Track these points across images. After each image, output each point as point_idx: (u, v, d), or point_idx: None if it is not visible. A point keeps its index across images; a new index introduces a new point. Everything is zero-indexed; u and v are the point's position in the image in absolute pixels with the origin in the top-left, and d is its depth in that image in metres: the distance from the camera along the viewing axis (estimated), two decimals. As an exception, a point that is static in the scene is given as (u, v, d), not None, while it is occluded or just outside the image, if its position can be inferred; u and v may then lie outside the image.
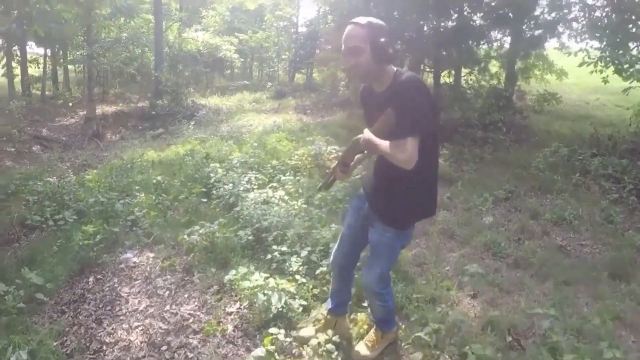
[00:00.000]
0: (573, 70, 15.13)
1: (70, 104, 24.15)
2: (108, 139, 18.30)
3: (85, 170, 11.34)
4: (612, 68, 10.43)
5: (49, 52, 28.49)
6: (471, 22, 14.11)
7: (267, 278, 4.81)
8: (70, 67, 31.02)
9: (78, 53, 25.21)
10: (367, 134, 3.18)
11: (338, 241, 4.15)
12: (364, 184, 3.94)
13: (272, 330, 4.29)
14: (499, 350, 4.27)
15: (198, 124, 16.32)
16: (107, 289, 5.54)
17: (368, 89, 3.56)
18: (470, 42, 13.97)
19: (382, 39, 3.21)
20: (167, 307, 5.07)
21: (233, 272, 4.98)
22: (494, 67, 15.73)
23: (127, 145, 14.79)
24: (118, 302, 5.26)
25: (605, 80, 11.27)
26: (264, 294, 4.56)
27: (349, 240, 4.04)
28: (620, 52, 10.44)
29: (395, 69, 3.34)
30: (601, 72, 10.92)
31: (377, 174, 3.70)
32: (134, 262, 6.06)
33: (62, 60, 29.04)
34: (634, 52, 10.92)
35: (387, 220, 3.62)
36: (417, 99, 3.10)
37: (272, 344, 4.15)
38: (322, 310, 4.63)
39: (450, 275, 5.72)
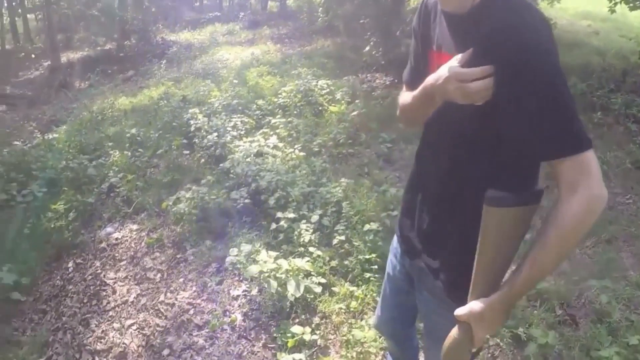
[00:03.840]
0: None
1: (33, 56, 22.94)
2: (77, 87, 17.18)
3: (54, 128, 10.39)
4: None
5: (4, 2, 27.04)
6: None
7: (277, 258, 3.97)
8: (29, 16, 29.45)
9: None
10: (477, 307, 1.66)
11: (380, 297, 2.53)
12: (400, 224, 2.16)
13: (295, 329, 3.53)
14: (550, 326, 3.64)
15: (170, 62, 15.34)
16: (90, 276, 4.88)
17: (431, 3, 1.90)
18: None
19: None
20: (162, 297, 4.36)
21: (234, 251, 4.14)
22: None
23: (97, 92, 13.77)
24: (104, 293, 4.61)
25: (612, 10, 10.52)
26: (277, 279, 3.74)
27: (393, 300, 2.39)
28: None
29: None
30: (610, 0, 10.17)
31: (434, 199, 1.93)
32: (116, 239, 5.34)
33: (19, 9, 27.62)
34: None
35: (453, 291, 1.87)
36: (559, 75, 1.52)
37: (296, 345, 3.40)
38: (346, 287, 3.94)
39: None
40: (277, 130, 6.88)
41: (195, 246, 4.84)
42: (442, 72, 1.61)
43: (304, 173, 5.47)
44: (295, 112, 7.74)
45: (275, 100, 8.25)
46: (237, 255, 4.10)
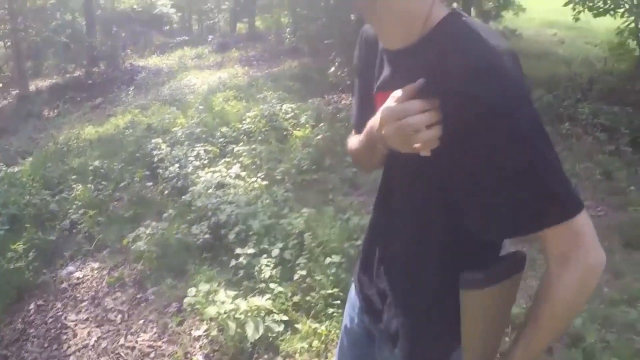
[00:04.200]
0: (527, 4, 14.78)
1: (1, 85, 22.43)
2: (45, 116, 16.85)
3: (19, 161, 10.17)
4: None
5: (-30, 31, 26.74)
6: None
7: (235, 297, 3.85)
8: (-2, 44, 29.25)
9: (1, 27, 23.71)
10: None
11: (337, 348, 2.10)
12: (359, 278, 1.82)
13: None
14: None
15: (138, 88, 15.22)
16: (51, 319, 4.73)
17: (372, 36, 1.59)
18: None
19: None
20: (122, 340, 4.22)
21: (192, 290, 4.02)
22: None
23: (65, 121, 13.66)
24: (65, 337, 4.45)
25: (576, 18, 10.58)
26: (236, 320, 3.62)
27: (351, 353, 1.97)
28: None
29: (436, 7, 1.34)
30: (574, 9, 10.20)
31: (394, 261, 1.62)
32: (78, 278, 5.20)
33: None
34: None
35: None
36: (537, 128, 1.24)
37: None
38: (308, 324, 3.80)
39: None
40: (241, 159, 6.77)
41: (156, 285, 4.72)
42: (378, 114, 1.34)
43: (266, 204, 5.35)
44: (259, 137, 7.64)
45: (240, 126, 8.14)
46: (195, 296, 3.97)
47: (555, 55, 12.16)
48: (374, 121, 1.41)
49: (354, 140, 1.70)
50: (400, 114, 1.23)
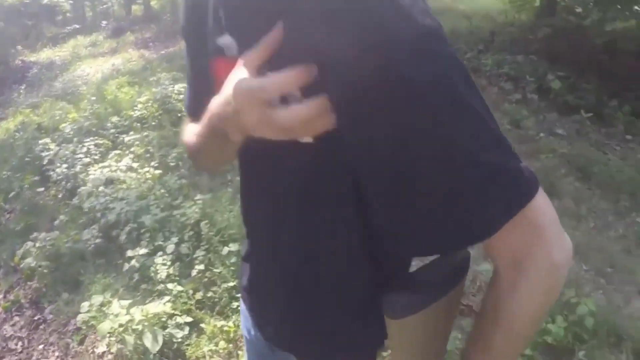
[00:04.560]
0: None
1: None
2: (-64, 128, 16.14)
3: None
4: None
5: None
6: None
7: (131, 306, 3.53)
8: None
9: None
10: None
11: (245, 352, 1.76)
12: (244, 294, 1.46)
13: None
14: None
15: (30, 86, 14.41)
16: None
17: None
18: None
19: None
20: (25, 371, 3.85)
21: (85, 305, 3.67)
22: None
23: (-45, 131, 12.87)
24: None
25: None
26: (134, 332, 3.31)
27: None
28: None
29: None
30: None
31: (280, 279, 1.23)
32: (-27, 306, 4.73)
33: None
34: None
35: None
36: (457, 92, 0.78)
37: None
38: (214, 322, 3.53)
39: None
40: (132, 149, 6.38)
41: (53, 302, 4.34)
42: (227, 93, 0.89)
43: (159, 194, 5.02)
44: (153, 123, 7.25)
45: (132, 113, 7.69)
46: (88, 311, 3.63)
47: (455, 11, 12.12)
48: (220, 102, 0.94)
49: (190, 132, 1.23)
50: (262, 92, 0.80)
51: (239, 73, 0.86)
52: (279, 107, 0.80)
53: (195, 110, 1.16)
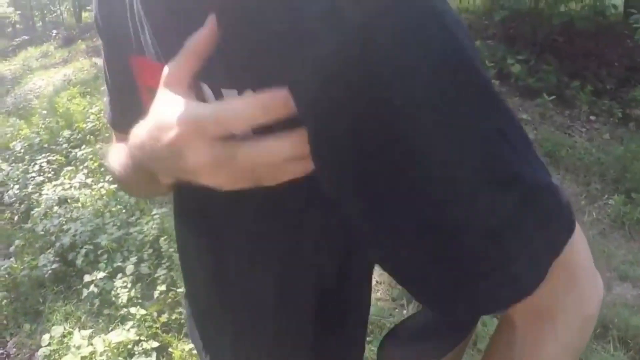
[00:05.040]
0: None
1: None
2: None
3: None
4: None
5: None
6: None
7: (92, 337, 3.34)
8: None
9: None
10: None
11: None
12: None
13: None
14: None
15: (-19, 104, 14.07)
16: None
17: None
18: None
19: None
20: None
21: (46, 338, 3.46)
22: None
23: None
24: None
25: None
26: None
27: None
28: None
29: None
30: None
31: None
32: None
33: None
34: None
35: None
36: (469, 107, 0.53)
37: None
38: (182, 346, 3.34)
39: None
40: (86, 163, 6.14)
41: (15, 335, 4.09)
42: (157, 119, 0.64)
43: (115, 211, 4.82)
44: (107, 135, 6.93)
45: (84, 126, 7.44)
46: (49, 344, 3.42)
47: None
48: (150, 132, 0.66)
49: (113, 157, 1.00)
50: (216, 125, 0.58)
51: (167, 92, 0.64)
52: (242, 142, 0.58)
53: (120, 122, 1.01)
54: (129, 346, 3.29)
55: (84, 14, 27.12)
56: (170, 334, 3.52)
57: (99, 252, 4.22)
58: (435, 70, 0.50)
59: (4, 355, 3.99)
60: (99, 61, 11.38)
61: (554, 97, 6.67)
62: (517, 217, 0.55)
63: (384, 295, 3.71)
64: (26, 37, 25.11)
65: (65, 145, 6.96)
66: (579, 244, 0.63)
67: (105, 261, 4.11)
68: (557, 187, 0.58)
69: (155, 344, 3.37)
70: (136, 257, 4.09)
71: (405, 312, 3.50)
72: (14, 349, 3.98)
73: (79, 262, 4.16)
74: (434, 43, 0.50)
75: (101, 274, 3.92)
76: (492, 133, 0.53)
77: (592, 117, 6.50)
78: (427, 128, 0.50)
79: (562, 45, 8.04)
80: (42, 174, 6.06)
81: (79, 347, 3.25)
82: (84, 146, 6.69)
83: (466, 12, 10.15)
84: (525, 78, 7.15)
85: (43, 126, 7.96)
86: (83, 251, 4.24)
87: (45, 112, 9.01)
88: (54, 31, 23.69)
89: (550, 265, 0.58)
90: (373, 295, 3.29)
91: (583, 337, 0.70)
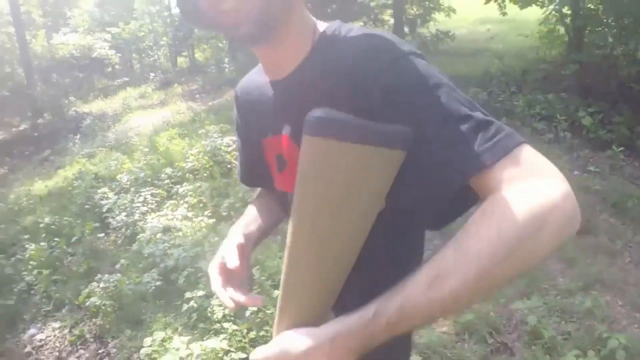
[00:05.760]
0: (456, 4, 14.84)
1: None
2: (-4, 176, 16.73)
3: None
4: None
5: None
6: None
7: (190, 342, 3.86)
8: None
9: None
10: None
11: None
12: None
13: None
14: (483, 358, 3.61)
15: (85, 136, 14.91)
16: None
17: (250, 85, 1.46)
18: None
19: None
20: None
21: (148, 340, 4.01)
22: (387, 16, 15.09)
23: (15, 178, 13.40)
24: None
25: (503, 12, 10.82)
26: (192, 367, 3.64)
27: None
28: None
29: (317, 21, 1.28)
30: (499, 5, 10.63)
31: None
32: (40, 340, 5.10)
33: None
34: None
35: None
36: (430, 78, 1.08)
37: None
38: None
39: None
40: (186, 199, 6.76)
41: (116, 338, 4.69)
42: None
43: (214, 242, 5.33)
44: (205, 174, 7.62)
45: (184, 165, 8.11)
46: (150, 345, 3.96)
47: (488, 51, 12.25)
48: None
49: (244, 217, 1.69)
50: None
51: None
52: None
53: (245, 178, 1.68)
54: (220, 354, 3.77)
55: (179, 59, 28.09)
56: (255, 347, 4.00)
57: (199, 275, 4.77)
58: (423, 80, 1.07)
59: (105, 354, 4.59)
60: (194, 105, 12.09)
61: (623, 148, 6.75)
62: (474, 128, 1.02)
63: (449, 329, 3.99)
64: (127, 79, 26.27)
65: (167, 181, 7.65)
66: (538, 157, 1.02)
67: (204, 283, 4.62)
68: (500, 123, 1.06)
69: (243, 355, 3.87)
70: (231, 281, 4.56)
71: (466, 345, 3.79)
72: (114, 350, 4.58)
73: (180, 281, 4.76)
74: (419, 70, 1.07)
75: (200, 292, 4.45)
76: (453, 101, 1.05)
77: (664, 167, 6.51)
78: (425, 102, 1.05)
79: (635, 94, 8.04)
80: (146, 204, 6.75)
81: (177, 349, 3.76)
82: (185, 183, 7.35)
83: (543, 62, 10.27)
84: (596, 130, 7.26)
85: (145, 162, 8.69)
86: (185, 273, 4.84)
87: (146, 149, 9.74)
88: (152, 74, 24.64)
89: (501, 157, 0.98)
90: (438, 329, 3.74)
91: (540, 208, 0.93)
